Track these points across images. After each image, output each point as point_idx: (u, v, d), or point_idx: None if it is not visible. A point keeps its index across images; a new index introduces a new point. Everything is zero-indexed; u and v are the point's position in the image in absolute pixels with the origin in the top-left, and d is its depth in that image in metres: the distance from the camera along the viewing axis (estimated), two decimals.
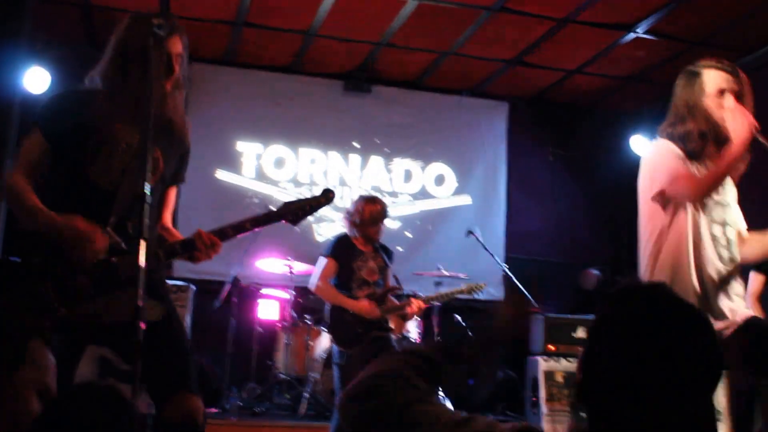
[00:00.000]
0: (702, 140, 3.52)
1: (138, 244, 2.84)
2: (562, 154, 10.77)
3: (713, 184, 3.45)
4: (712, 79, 3.57)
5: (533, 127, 10.86)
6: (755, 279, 4.57)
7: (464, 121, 10.63)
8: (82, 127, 3.26)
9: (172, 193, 3.63)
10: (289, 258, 8.34)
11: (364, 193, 7.37)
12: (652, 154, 3.66)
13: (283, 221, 3.51)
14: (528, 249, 10.40)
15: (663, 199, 3.56)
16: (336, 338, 6.23)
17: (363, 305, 6.18)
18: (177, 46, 3.34)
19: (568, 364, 7.28)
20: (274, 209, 3.54)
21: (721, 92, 3.54)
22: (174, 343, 3.30)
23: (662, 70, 9.26)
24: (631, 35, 8.50)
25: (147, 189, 2.88)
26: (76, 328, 3.14)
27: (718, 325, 3.46)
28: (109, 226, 3.17)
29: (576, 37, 8.65)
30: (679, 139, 3.56)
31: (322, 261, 6.42)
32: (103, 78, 3.34)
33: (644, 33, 8.43)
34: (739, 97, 3.54)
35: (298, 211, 3.53)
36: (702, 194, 3.46)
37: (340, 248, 6.41)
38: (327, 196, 3.63)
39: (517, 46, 9.05)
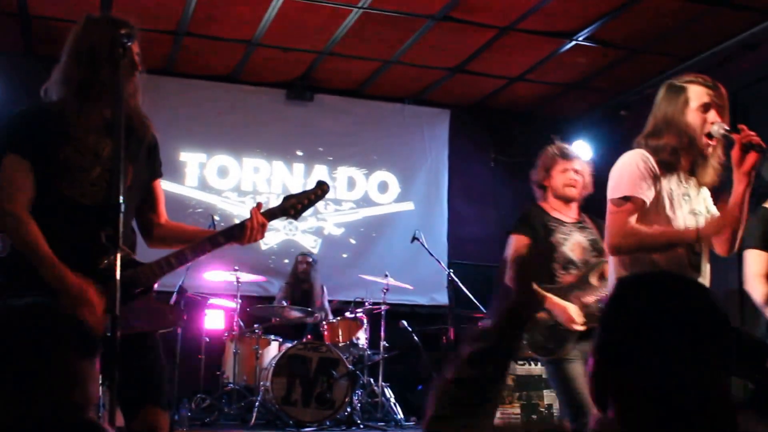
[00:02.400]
0: (674, 155, 3.60)
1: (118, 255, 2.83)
2: (503, 159, 10.91)
3: (645, 246, 3.56)
4: (696, 93, 3.63)
5: (475, 134, 10.99)
6: (759, 258, 4.47)
7: (407, 129, 10.73)
8: (49, 143, 3.14)
9: (158, 186, 3.52)
10: (236, 267, 8.32)
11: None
12: (626, 159, 3.67)
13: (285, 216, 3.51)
14: (471, 254, 10.50)
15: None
16: (533, 347, 4.54)
17: (566, 311, 4.43)
18: (136, 45, 3.26)
19: (517, 367, 7.38)
20: (277, 205, 3.52)
21: (705, 107, 3.60)
22: (151, 356, 3.25)
23: (603, 77, 9.50)
24: (572, 43, 8.65)
25: (121, 199, 2.88)
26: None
27: None
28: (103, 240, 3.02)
29: (518, 45, 8.78)
30: (654, 151, 3.61)
31: (510, 240, 4.77)
32: (61, 84, 3.22)
33: (585, 40, 8.59)
34: (720, 112, 3.62)
35: (298, 205, 3.52)
36: (615, 246, 3.56)
37: (531, 220, 4.78)
38: (322, 188, 3.61)
39: (459, 54, 9.16)
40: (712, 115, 3.60)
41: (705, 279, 3.68)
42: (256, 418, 7.57)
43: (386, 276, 8.37)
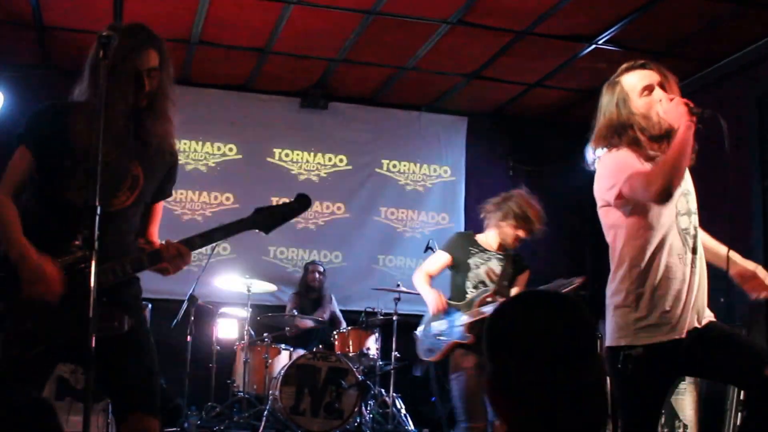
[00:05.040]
0: (636, 145, 3.52)
1: (97, 258, 2.78)
2: (521, 167, 10.79)
3: (668, 176, 3.28)
4: (632, 82, 3.58)
5: (493, 142, 10.88)
6: None
7: (423, 137, 10.63)
8: (60, 146, 3.20)
9: (159, 207, 3.51)
10: (247, 276, 8.28)
11: None
12: (609, 161, 3.58)
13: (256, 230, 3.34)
14: None
15: (623, 201, 3.48)
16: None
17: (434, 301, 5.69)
18: (149, 61, 3.26)
19: None
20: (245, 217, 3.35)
21: (646, 89, 3.55)
22: (139, 360, 3.22)
23: None
24: (592, 47, 8.46)
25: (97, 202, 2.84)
26: (46, 343, 3.07)
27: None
28: (78, 241, 3.04)
29: (535, 49, 8.62)
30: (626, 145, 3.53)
31: (433, 254, 6.14)
32: (83, 95, 3.28)
33: (604, 44, 8.39)
34: (664, 87, 3.55)
35: (270, 219, 3.34)
36: (659, 188, 3.29)
37: (458, 242, 5.96)
38: (300, 202, 3.38)
39: (475, 59, 9.04)
40: (658, 93, 3.54)
41: (702, 259, 3.57)
42: (265, 427, 7.51)
43: (398, 286, 8.27)
